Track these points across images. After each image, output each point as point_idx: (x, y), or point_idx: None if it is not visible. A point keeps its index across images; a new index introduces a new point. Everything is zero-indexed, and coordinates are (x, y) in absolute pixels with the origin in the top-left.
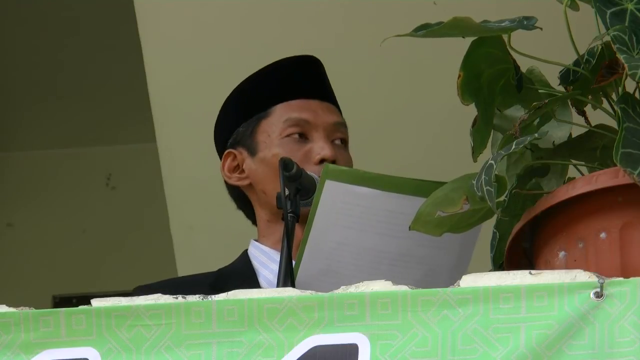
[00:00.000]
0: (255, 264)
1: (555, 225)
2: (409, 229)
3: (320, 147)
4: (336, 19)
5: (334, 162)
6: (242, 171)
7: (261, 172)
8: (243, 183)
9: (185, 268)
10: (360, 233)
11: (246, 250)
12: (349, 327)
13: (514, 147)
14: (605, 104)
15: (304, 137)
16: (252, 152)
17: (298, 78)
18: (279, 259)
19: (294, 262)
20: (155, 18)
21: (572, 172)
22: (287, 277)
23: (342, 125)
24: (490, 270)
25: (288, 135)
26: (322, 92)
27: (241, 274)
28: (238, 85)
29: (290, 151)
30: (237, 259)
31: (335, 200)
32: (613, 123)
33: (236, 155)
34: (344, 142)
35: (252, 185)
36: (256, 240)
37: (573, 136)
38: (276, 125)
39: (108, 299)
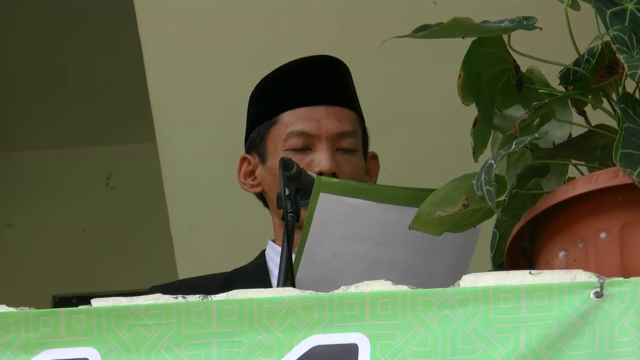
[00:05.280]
0: (270, 264)
1: (555, 225)
2: (409, 229)
3: (319, 160)
4: (336, 19)
5: (333, 174)
6: (255, 178)
7: (271, 180)
8: (256, 190)
9: (185, 268)
10: (355, 243)
11: (264, 250)
12: (348, 327)
13: (514, 146)
14: (605, 104)
15: (307, 147)
16: (263, 159)
17: (304, 84)
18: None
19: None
20: (155, 18)
21: (572, 172)
22: (287, 277)
23: (348, 134)
24: (490, 270)
25: (289, 149)
26: (331, 96)
27: (254, 274)
28: (255, 86)
29: None
30: (254, 259)
31: (329, 212)
32: (613, 123)
33: (250, 160)
34: (353, 148)
35: (264, 192)
36: (272, 241)
37: (573, 136)
38: (281, 135)
39: (108, 299)
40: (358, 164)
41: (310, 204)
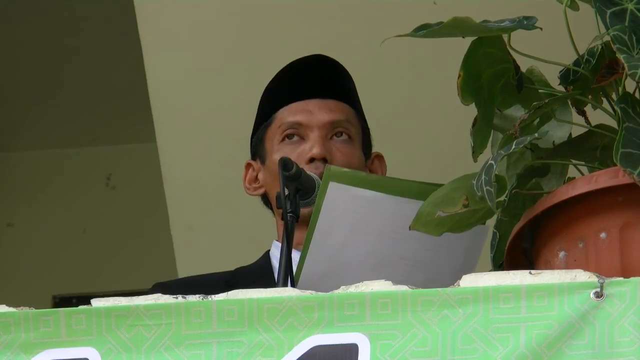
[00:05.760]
0: (274, 262)
1: (555, 225)
2: (409, 229)
3: (310, 146)
4: (336, 19)
5: (324, 159)
6: (258, 181)
7: (269, 179)
8: (259, 193)
9: (185, 268)
10: (362, 235)
11: (268, 250)
12: (348, 327)
13: (514, 147)
14: (605, 104)
15: (300, 139)
16: (263, 161)
17: (296, 81)
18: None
19: (294, 263)
20: (155, 18)
21: (572, 172)
22: (287, 278)
23: (341, 123)
24: (490, 270)
25: (283, 140)
26: (325, 90)
27: (258, 272)
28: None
29: (285, 154)
30: (259, 258)
31: (337, 202)
32: (613, 123)
33: (254, 166)
34: (346, 136)
35: (266, 192)
36: (277, 240)
37: (573, 136)
38: (275, 132)
39: (108, 299)
40: (352, 153)
41: (319, 193)
